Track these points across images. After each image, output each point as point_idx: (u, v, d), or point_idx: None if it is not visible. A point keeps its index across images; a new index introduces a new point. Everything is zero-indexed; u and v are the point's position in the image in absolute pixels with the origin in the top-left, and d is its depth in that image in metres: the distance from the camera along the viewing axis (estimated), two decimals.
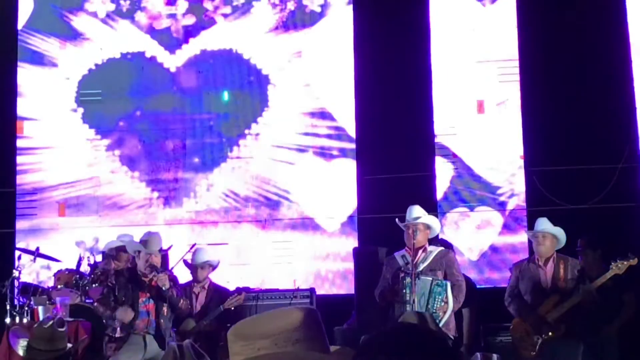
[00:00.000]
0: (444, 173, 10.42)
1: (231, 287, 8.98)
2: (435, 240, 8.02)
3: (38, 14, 11.23)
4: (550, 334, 7.48)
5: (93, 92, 11.09)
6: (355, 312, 9.11)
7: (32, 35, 11.18)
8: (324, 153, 10.76)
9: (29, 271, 10.14)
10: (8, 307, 8.60)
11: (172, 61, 11.06)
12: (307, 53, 10.95)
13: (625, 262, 7.39)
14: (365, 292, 8.46)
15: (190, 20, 11.15)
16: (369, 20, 10.73)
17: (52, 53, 11.15)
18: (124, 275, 7.88)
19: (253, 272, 10.37)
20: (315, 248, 10.55)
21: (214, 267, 8.66)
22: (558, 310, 7.50)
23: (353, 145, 10.66)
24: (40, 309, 8.24)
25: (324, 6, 11.01)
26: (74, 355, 5.29)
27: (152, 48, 11.10)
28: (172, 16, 11.18)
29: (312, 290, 9.46)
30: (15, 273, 8.87)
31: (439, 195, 10.35)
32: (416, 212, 7.68)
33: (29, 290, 8.97)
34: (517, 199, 10.28)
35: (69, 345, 5.15)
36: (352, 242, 10.33)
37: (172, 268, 8.34)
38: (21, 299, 8.80)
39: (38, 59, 11.13)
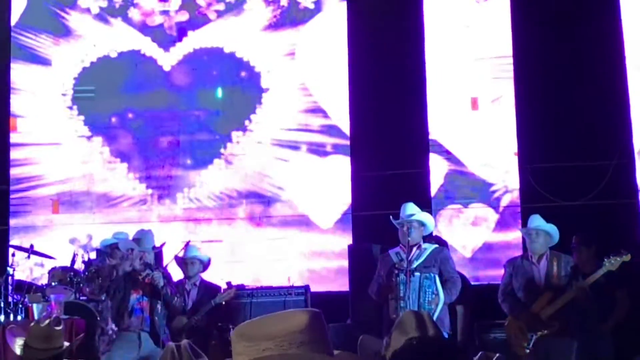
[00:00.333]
0: (438, 170, 10.41)
1: (224, 284, 8.96)
2: (429, 238, 8.02)
3: (31, 11, 11.20)
4: (544, 331, 7.48)
5: (86, 89, 11.07)
6: (350, 309, 9.11)
7: (25, 32, 11.15)
8: (317, 150, 10.75)
9: (22, 268, 10.11)
10: (2, 305, 8.60)
11: (166, 58, 11.04)
12: (300, 50, 10.95)
13: (618, 259, 7.35)
14: (359, 289, 8.47)
15: (183, 16, 11.13)
16: (363, 16, 10.72)
17: (45, 50, 11.12)
18: (118, 272, 7.86)
19: (247, 270, 10.36)
20: (310, 245, 10.55)
21: (204, 264, 8.63)
22: (552, 307, 7.47)
23: (347, 142, 10.65)
24: (34, 306, 8.23)
25: (318, 3, 11.00)
26: (69, 354, 5.28)
27: (146, 45, 11.08)
28: (165, 13, 11.17)
29: (306, 287, 9.45)
30: (10, 270, 8.87)
31: (433, 192, 10.35)
32: (410, 209, 7.67)
33: (23, 287, 8.98)
34: (511, 196, 10.28)
35: (66, 343, 5.15)
36: (346, 239, 10.32)
37: (166, 265, 8.33)
38: (15, 297, 8.80)
39: (31, 56, 11.11)
